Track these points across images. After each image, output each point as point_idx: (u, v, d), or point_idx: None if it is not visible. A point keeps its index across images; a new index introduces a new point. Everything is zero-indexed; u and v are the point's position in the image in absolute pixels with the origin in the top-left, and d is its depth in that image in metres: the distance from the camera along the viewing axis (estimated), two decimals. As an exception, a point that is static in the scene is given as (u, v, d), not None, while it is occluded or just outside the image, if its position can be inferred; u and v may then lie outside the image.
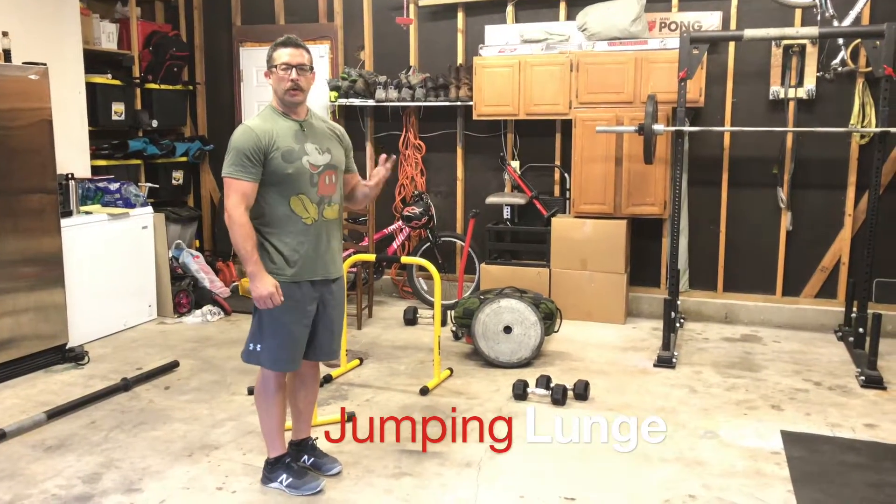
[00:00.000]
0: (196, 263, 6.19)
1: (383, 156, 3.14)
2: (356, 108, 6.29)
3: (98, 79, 5.82)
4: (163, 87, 6.50)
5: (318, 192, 2.89)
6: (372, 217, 5.84)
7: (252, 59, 6.73)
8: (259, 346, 2.90)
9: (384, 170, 3.12)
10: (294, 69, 2.85)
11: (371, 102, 6.10)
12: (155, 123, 6.37)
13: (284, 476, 3.02)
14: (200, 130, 6.98)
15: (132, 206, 5.51)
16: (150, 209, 5.67)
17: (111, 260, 5.28)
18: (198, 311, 5.77)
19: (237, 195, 2.75)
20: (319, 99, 6.46)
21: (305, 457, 3.18)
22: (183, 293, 5.82)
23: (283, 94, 2.87)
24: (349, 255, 5.14)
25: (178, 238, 6.38)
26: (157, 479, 3.14)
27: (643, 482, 3.12)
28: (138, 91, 6.32)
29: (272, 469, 3.05)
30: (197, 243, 6.82)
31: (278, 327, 2.87)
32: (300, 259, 2.85)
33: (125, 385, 4.18)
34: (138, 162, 6.32)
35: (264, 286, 2.75)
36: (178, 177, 6.70)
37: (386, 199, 6.33)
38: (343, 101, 6.16)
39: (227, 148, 2.80)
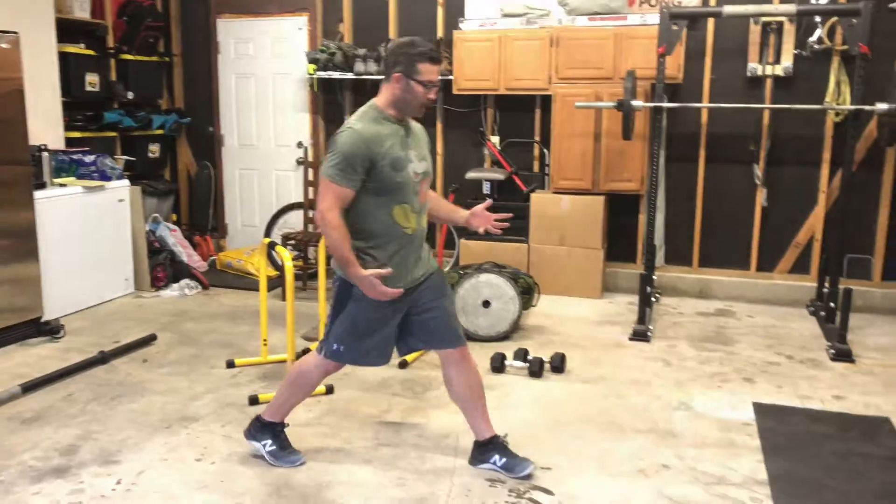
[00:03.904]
0: (173, 237, 6.15)
1: (485, 206, 3.00)
2: (335, 81, 6.25)
3: (71, 48, 5.72)
4: (138, 58, 6.40)
5: (419, 200, 2.80)
6: (351, 191, 5.81)
7: (230, 30, 6.64)
8: (342, 346, 2.82)
9: (486, 227, 2.99)
10: (434, 88, 2.73)
11: (350, 75, 6.05)
12: (130, 95, 6.28)
13: (269, 441, 3.03)
14: (177, 103, 6.89)
15: (108, 178, 5.45)
16: (126, 182, 5.61)
17: (87, 233, 5.22)
18: (175, 285, 5.74)
19: (334, 198, 2.62)
20: (297, 72, 6.42)
21: (497, 456, 2.97)
22: (160, 267, 5.79)
23: (414, 107, 2.73)
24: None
25: (154, 211, 6.33)
26: (135, 451, 3.14)
27: (617, 453, 3.17)
28: (113, 62, 6.23)
29: (261, 429, 3.04)
30: (174, 217, 6.77)
31: (367, 331, 2.79)
32: (393, 269, 2.72)
33: (102, 358, 4.17)
34: (114, 134, 6.24)
35: (373, 288, 2.63)
36: (154, 150, 6.62)
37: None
38: (322, 74, 6.11)
39: (333, 148, 2.64)
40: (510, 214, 3.11)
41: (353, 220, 2.71)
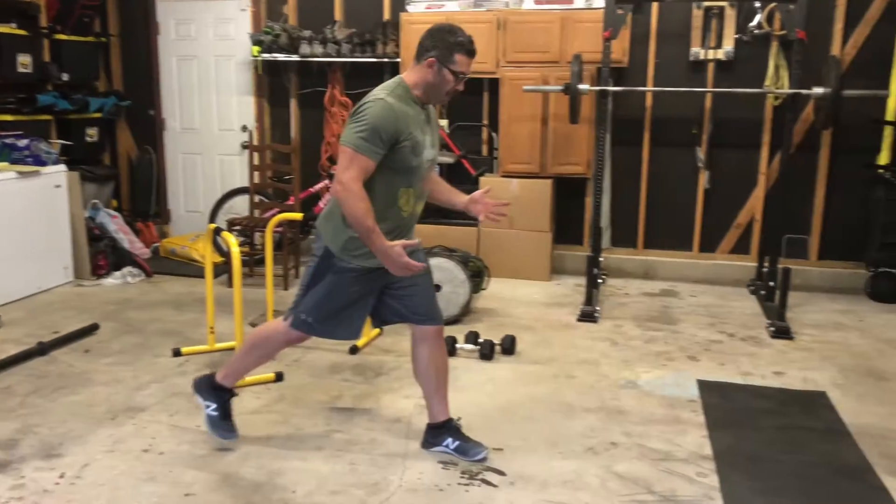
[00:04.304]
0: (114, 224, 5.98)
1: (484, 191, 2.98)
2: (280, 63, 6.14)
3: (1, 28, 5.47)
4: (73, 38, 6.17)
5: (423, 186, 2.78)
6: (298, 176, 5.74)
7: (170, 11, 6.45)
8: (311, 318, 2.78)
9: (486, 214, 2.96)
10: (464, 80, 2.70)
11: (295, 58, 5.96)
12: (65, 77, 6.06)
13: (214, 406, 2.98)
14: (116, 85, 6.68)
15: (43, 163, 5.26)
16: (63, 167, 5.42)
17: (22, 220, 5.03)
18: (117, 273, 5.58)
19: (359, 170, 2.52)
20: (241, 54, 6.29)
21: (450, 439, 2.98)
22: (101, 255, 5.62)
23: (440, 95, 2.70)
24: (274, 215, 5.06)
25: (94, 197, 6.14)
26: (78, 444, 3.06)
27: (567, 431, 3.22)
28: (46, 42, 5.99)
29: (211, 391, 2.98)
30: (115, 203, 6.59)
31: (342, 305, 2.76)
32: None
33: (41, 349, 4.03)
34: (48, 117, 6.02)
35: (398, 259, 2.55)
36: (92, 133, 6.41)
37: (312, 158, 6.23)
38: (266, 56, 6.00)
39: (360, 118, 2.54)
40: (509, 202, 3.08)
41: None
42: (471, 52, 2.67)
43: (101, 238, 5.77)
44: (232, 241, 3.73)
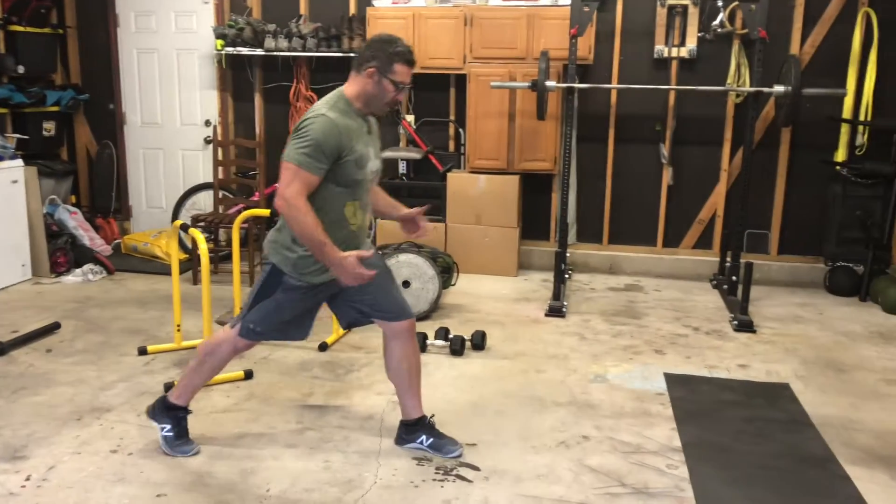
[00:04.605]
0: (73, 220, 5.86)
1: (419, 211, 2.98)
2: (244, 57, 6.06)
3: (-46, 19, 5.32)
4: (29, 29, 6.01)
5: (368, 197, 2.78)
6: (262, 171, 5.68)
7: (129, 2, 6.31)
8: (259, 328, 2.78)
9: (419, 230, 2.99)
10: (404, 90, 2.69)
11: (260, 52, 5.88)
12: (21, 69, 5.90)
13: (168, 427, 2.93)
14: (73, 78, 6.52)
15: (-1, 158, 5.12)
16: (20, 162, 5.28)
17: (-22, 217, 4.90)
18: (78, 270, 5.46)
19: (302, 184, 2.52)
20: (204, 47, 6.19)
21: (424, 436, 2.99)
22: (60, 251, 5.49)
23: (380, 105, 2.69)
24: (240, 211, 5.00)
25: (52, 193, 6.00)
26: (43, 445, 2.99)
27: (539, 426, 3.25)
28: (1, 33, 5.82)
29: (164, 412, 2.93)
30: (74, 199, 6.44)
31: (290, 317, 2.77)
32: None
33: (0, 349, 3.93)
34: (3, 111, 5.86)
35: (352, 269, 2.55)
36: (49, 128, 6.25)
37: (277, 153, 6.14)
38: (230, 50, 5.92)
39: (303, 134, 2.54)
40: (432, 228, 3.13)
41: None
42: (410, 62, 2.68)
43: (59, 235, 5.64)
44: (200, 239, 3.69)
